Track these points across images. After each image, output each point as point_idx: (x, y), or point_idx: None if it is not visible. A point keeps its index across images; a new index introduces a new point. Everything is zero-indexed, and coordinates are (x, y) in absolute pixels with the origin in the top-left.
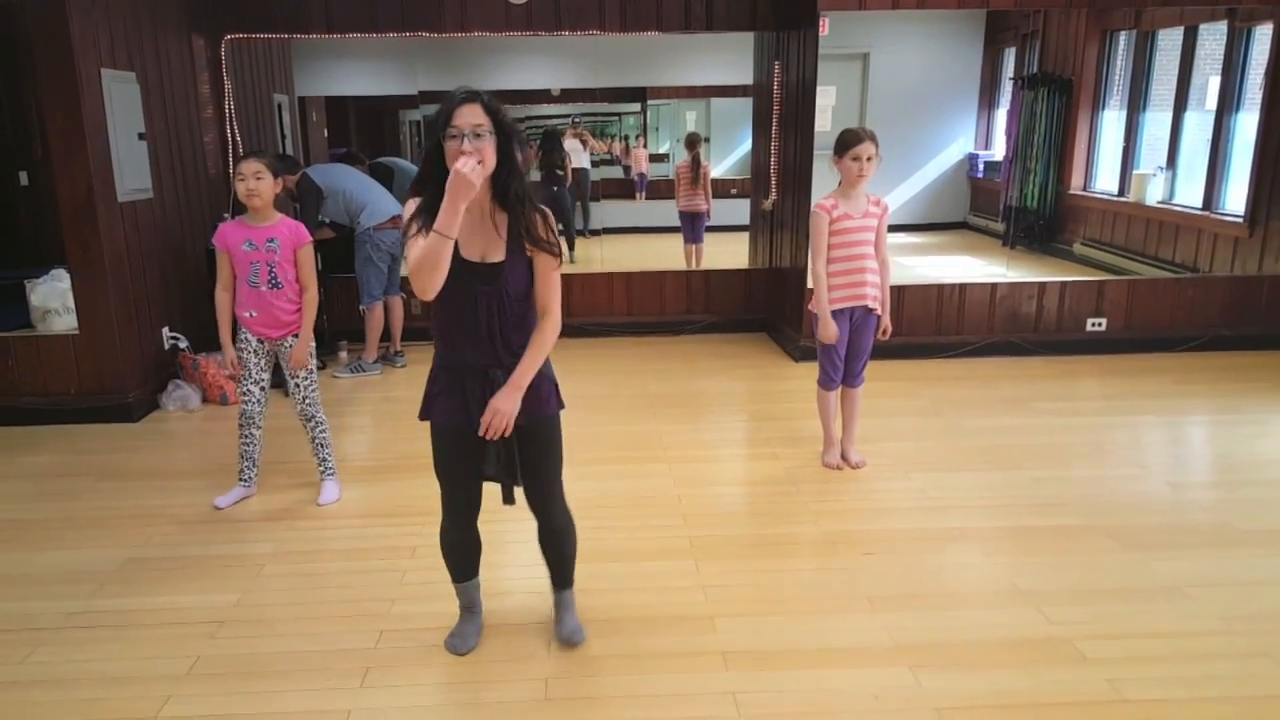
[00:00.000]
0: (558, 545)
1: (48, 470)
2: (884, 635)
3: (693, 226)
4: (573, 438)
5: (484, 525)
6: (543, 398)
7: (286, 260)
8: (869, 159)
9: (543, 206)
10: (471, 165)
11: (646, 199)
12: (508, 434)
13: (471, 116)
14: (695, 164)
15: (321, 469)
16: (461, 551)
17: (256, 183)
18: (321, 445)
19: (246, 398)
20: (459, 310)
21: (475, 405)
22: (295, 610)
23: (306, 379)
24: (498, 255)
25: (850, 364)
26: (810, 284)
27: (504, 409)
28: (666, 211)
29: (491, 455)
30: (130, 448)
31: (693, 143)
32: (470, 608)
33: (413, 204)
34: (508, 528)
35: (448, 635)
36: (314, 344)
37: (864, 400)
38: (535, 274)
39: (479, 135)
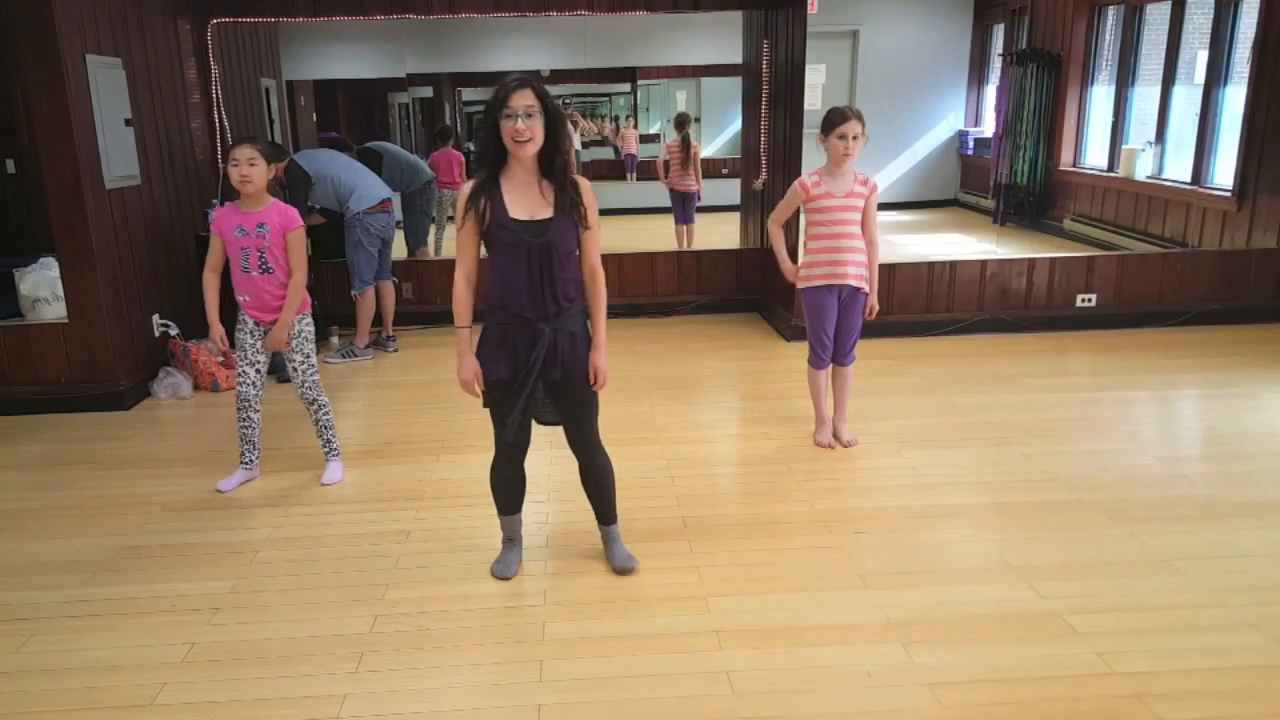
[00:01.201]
0: (600, 482)
1: (40, 459)
2: (876, 612)
3: (684, 207)
4: None
5: (477, 505)
6: (580, 357)
7: (277, 245)
8: (854, 138)
9: (580, 177)
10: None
11: (638, 179)
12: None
13: (524, 99)
14: (685, 144)
15: (326, 450)
16: (509, 487)
17: (250, 168)
18: (325, 427)
19: (242, 379)
20: (512, 264)
21: (523, 358)
22: (290, 596)
23: (303, 363)
24: (545, 214)
25: (839, 342)
26: (788, 263)
27: (602, 366)
28: (657, 192)
29: (536, 402)
30: (122, 436)
31: (682, 123)
32: (512, 539)
33: (468, 187)
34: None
35: (493, 563)
36: (311, 326)
37: (855, 379)
38: (580, 240)
39: (530, 115)
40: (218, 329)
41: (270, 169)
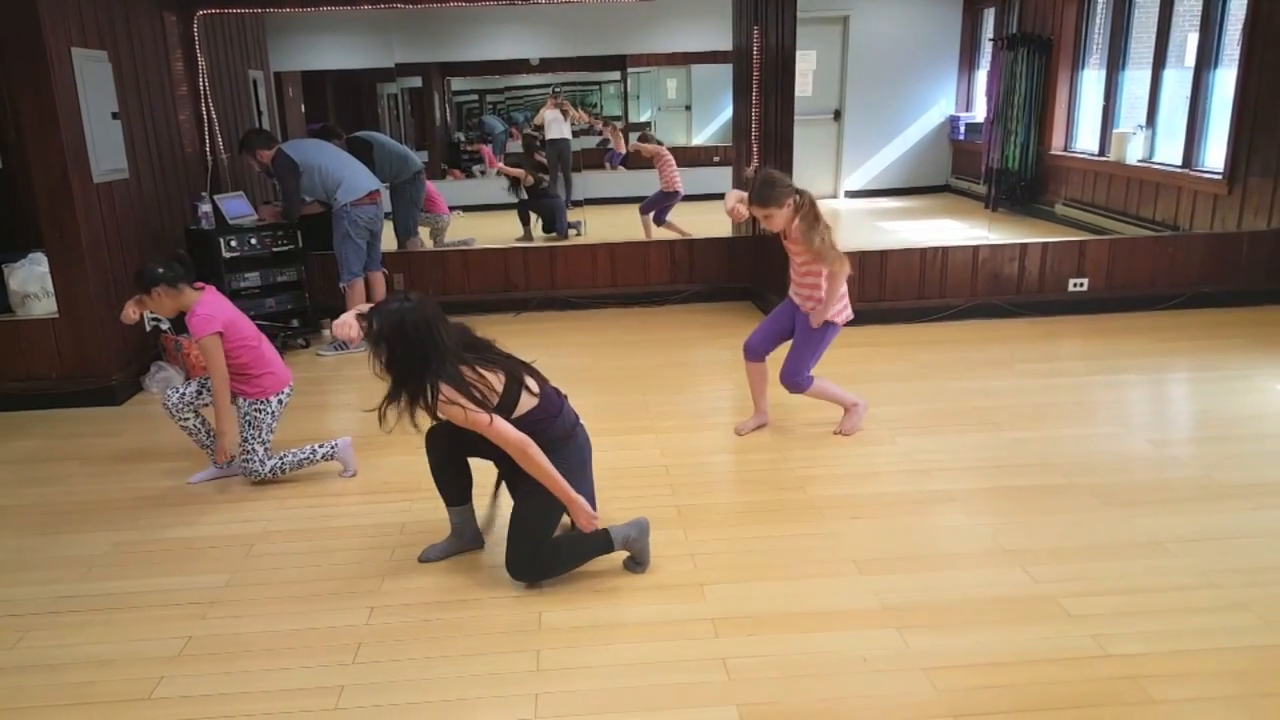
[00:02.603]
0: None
1: (32, 455)
2: (871, 598)
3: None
4: None
5: (474, 496)
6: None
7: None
8: (767, 218)
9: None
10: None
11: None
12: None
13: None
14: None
15: (325, 460)
16: (439, 474)
17: (154, 306)
18: (297, 466)
19: (174, 388)
20: None
21: None
22: (285, 589)
23: (244, 446)
24: None
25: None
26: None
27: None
28: (649, 181)
29: None
30: (115, 431)
31: (644, 138)
32: (455, 529)
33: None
34: (498, 501)
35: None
36: (261, 411)
37: (852, 364)
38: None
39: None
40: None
41: (177, 290)
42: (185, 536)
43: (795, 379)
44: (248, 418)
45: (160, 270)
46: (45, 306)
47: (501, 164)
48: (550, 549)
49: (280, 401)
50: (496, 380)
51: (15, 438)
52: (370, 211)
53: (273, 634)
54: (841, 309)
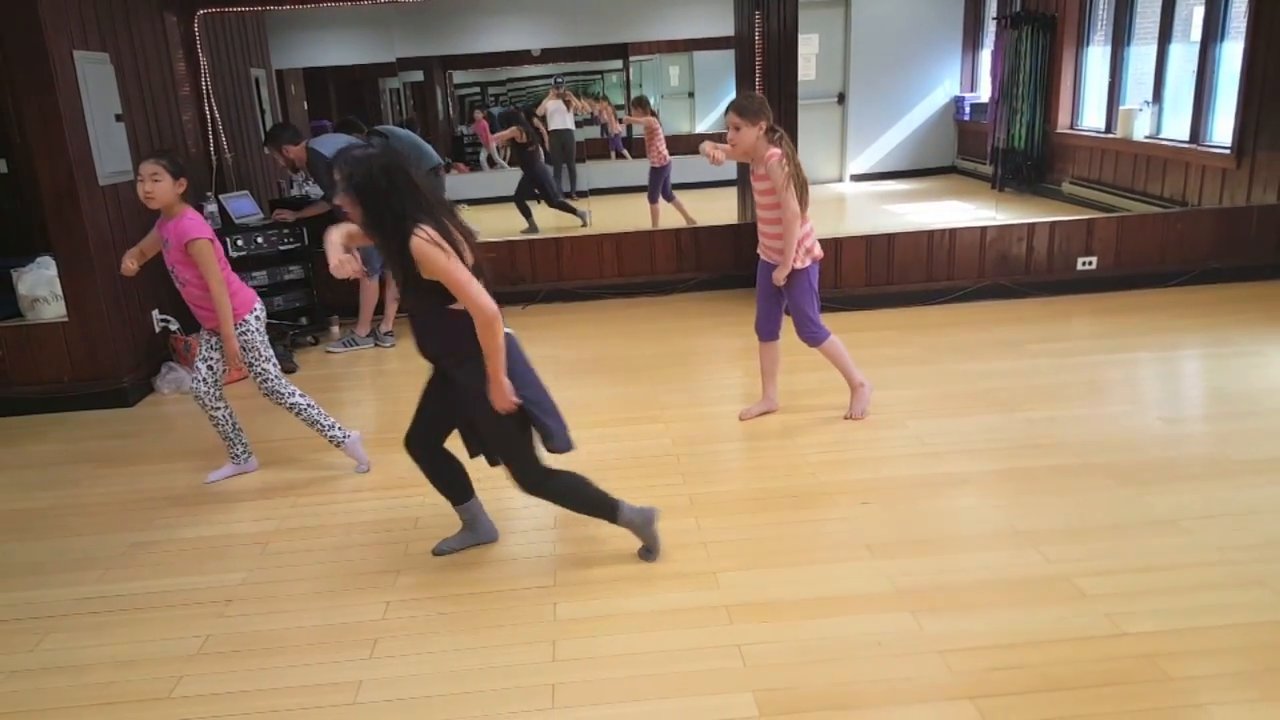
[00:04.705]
0: (567, 503)
1: (47, 459)
2: (885, 582)
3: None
4: (570, 401)
5: (484, 489)
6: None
7: (179, 261)
8: (735, 128)
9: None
10: None
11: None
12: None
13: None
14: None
15: (331, 440)
16: (424, 469)
17: (154, 184)
18: (310, 422)
19: (195, 376)
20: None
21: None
22: (301, 586)
23: (252, 371)
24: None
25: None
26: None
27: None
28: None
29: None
30: (128, 432)
31: (640, 103)
32: (466, 525)
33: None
34: (511, 493)
35: None
36: (254, 331)
37: (861, 348)
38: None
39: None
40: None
41: (180, 182)
42: (201, 536)
43: (807, 332)
44: (246, 342)
45: (175, 157)
46: (55, 310)
47: (496, 137)
48: (563, 482)
49: (258, 317)
50: (467, 251)
51: (29, 441)
52: None
53: (290, 630)
54: (806, 252)
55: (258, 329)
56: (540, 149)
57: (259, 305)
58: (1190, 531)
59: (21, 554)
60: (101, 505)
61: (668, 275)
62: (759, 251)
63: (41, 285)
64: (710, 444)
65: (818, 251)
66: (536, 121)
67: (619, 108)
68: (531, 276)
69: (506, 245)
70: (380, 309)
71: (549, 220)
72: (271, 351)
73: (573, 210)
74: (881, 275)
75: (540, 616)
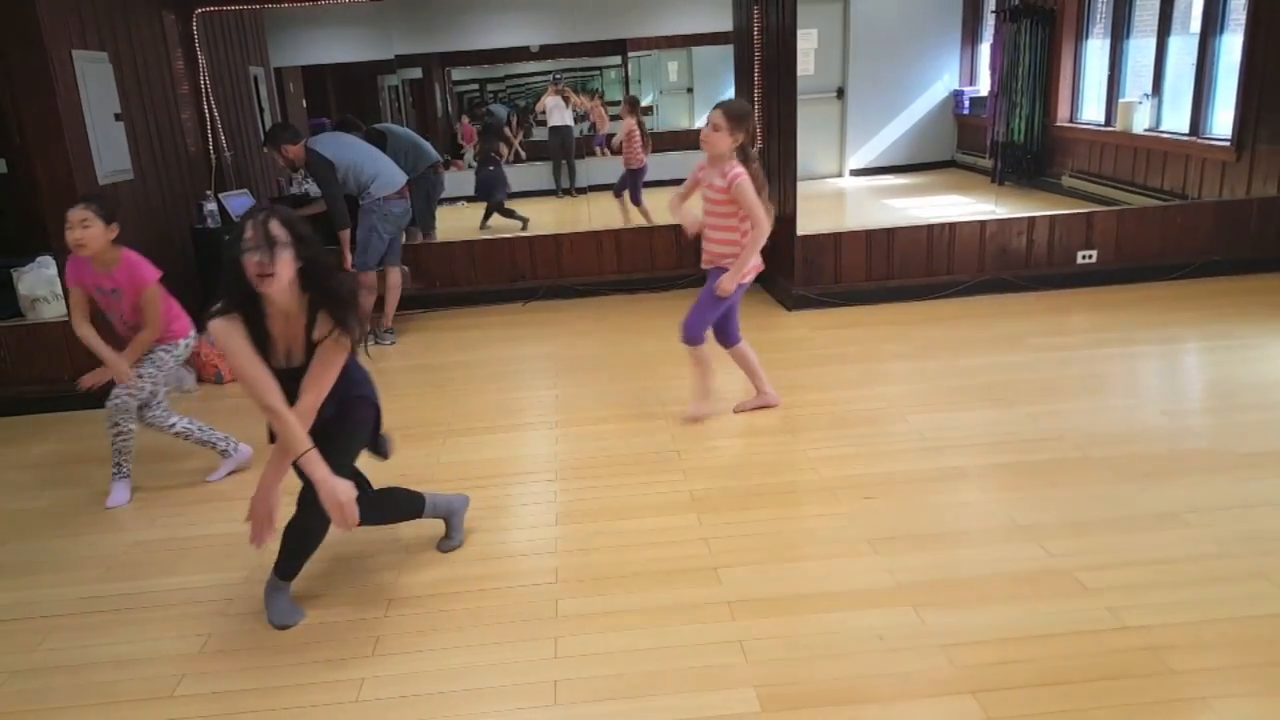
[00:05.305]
0: (304, 543)
1: (48, 458)
2: (886, 577)
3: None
4: (571, 399)
5: (486, 487)
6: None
7: (132, 307)
8: (715, 128)
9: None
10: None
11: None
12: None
13: (271, 228)
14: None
15: (225, 453)
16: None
17: (83, 231)
18: (119, 451)
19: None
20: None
21: None
22: (303, 584)
23: (142, 386)
24: (299, 359)
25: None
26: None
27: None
28: (653, 166)
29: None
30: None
31: (632, 104)
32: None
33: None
34: (512, 490)
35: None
36: (167, 356)
37: (860, 344)
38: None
39: (274, 245)
40: (118, 361)
41: (111, 228)
42: (202, 535)
43: (693, 329)
44: (154, 356)
45: (105, 201)
46: (55, 309)
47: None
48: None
49: (188, 345)
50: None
51: (30, 441)
52: (401, 206)
53: (292, 629)
54: (752, 269)
55: (179, 355)
56: (498, 161)
57: (193, 334)
58: (1191, 525)
59: (22, 554)
60: (102, 505)
61: (667, 271)
62: (704, 264)
63: (41, 285)
64: (710, 440)
65: (760, 265)
66: (507, 130)
67: (614, 103)
68: (531, 273)
69: (506, 242)
70: (379, 306)
71: (548, 218)
72: (167, 382)
73: (513, 215)
74: (881, 270)
75: (542, 614)
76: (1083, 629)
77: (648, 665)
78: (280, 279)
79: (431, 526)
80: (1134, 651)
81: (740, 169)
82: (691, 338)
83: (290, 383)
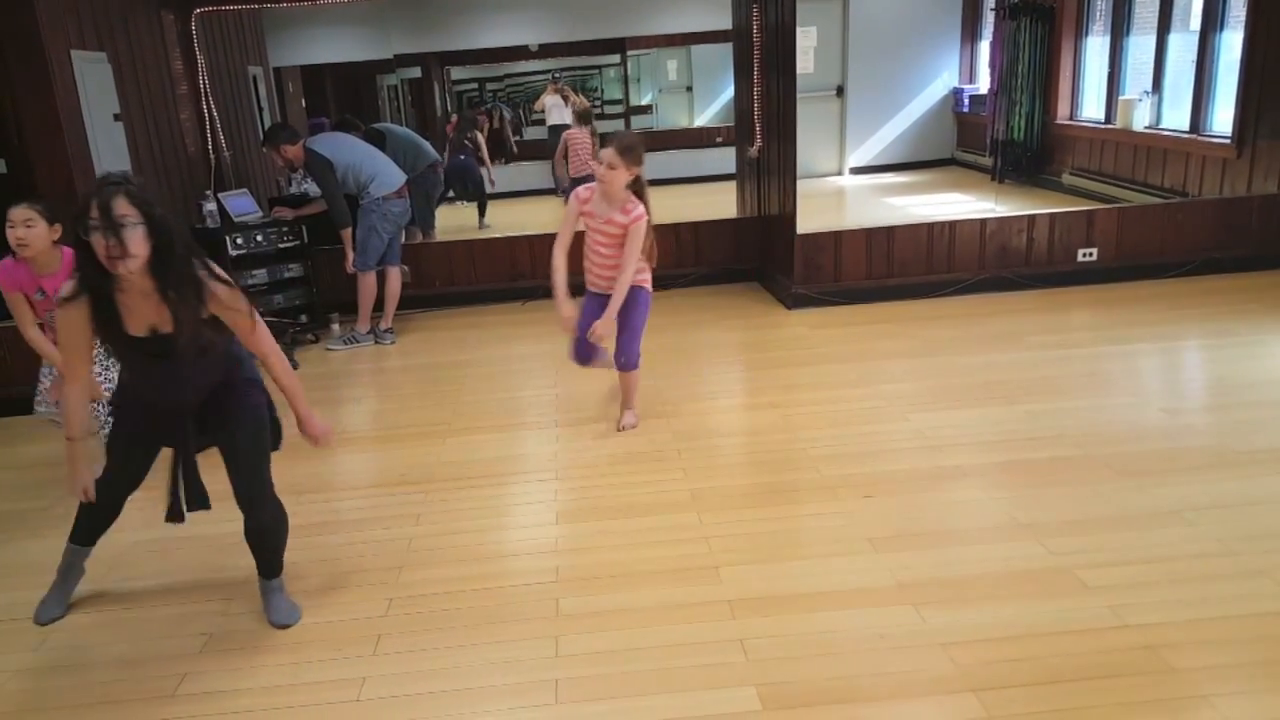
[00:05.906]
0: (270, 540)
1: (45, 459)
2: (887, 575)
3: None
4: (570, 397)
5: (486, 486)
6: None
7: None
8: (610, 167)
9: (214, 281)
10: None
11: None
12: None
13: (117, 208)
14: (592, 134)
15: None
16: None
17: (26, 230)
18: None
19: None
20: (139, 375)
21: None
22: (304, 583)
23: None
24: (168, 327)
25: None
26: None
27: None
28: (657, 166)
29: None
30: None
31: (586, 118)
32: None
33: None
34: (513, 490)
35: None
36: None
37: (860, 341)
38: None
39: (124, 225)
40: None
41: (54, 229)
42: (202, 534)
43: (632, 353)
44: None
45: (50, 203)
46: None
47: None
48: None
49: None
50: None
51: (29, 442)
52: (401, 206)
53: (293, 628)
54: (645, 277)
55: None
56: (469, 150)
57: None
58: (1192, 523)
59: (22, 554)
60: None
61: (666, 270)
62: (589, 286)
63: None
64: (711, 438)
65: (648, 274)
66: (478, 134)
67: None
68: (531, 272)
69: (506, 242)
70: (380, 305)
71: (547, 217)
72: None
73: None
74: (881, 268)
75: (543, 613)
76: (1084, 627)
77: (649, 664)
78: (135, 259)
79: (432, 527)
80: (1135, 649)
81: (642, 211)
82: (634, 363)
83: (159, 350)
